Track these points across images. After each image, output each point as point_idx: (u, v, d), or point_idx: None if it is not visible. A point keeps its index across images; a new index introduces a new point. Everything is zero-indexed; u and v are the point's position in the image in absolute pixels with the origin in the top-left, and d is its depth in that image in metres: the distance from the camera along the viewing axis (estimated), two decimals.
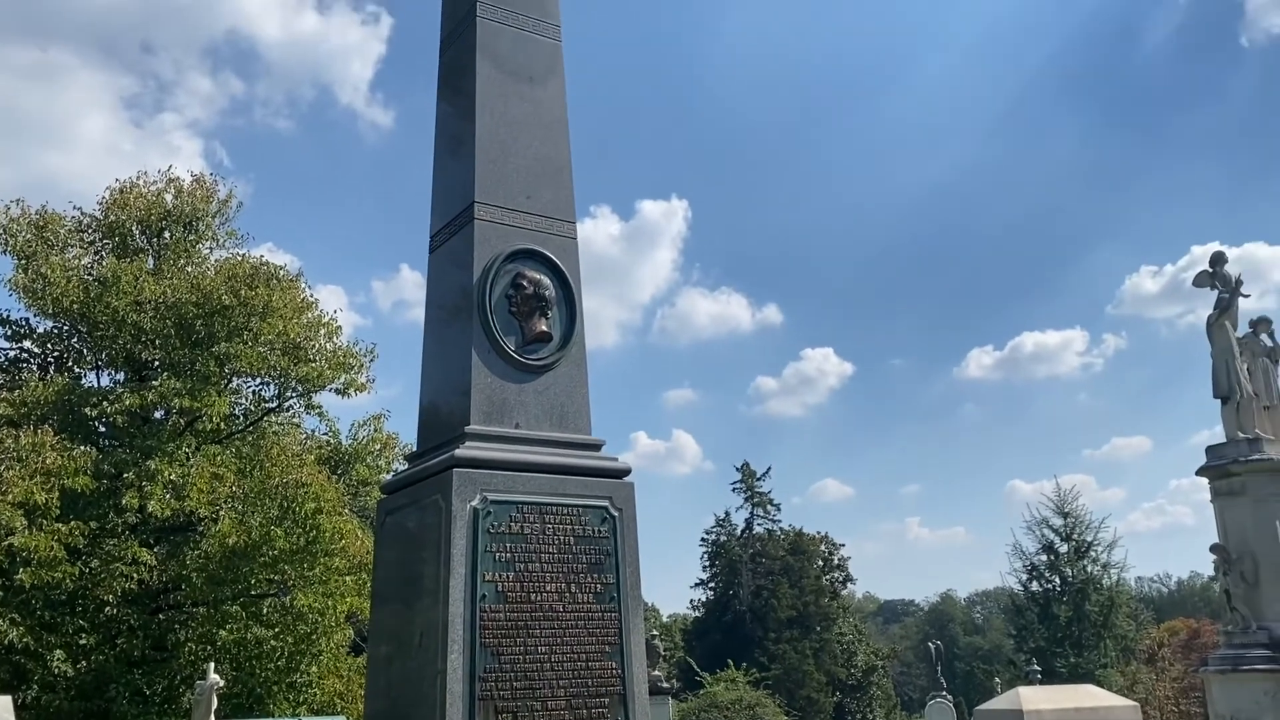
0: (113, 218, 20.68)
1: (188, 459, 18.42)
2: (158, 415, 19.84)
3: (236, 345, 19.05)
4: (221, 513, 18.97)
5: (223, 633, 18.39)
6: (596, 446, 6.30)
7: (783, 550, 59.08)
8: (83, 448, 17.83)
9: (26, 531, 15.86)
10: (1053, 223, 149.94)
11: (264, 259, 20.73)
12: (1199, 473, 16.42)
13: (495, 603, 5.44)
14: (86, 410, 18.50)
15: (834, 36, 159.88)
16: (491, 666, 5.33)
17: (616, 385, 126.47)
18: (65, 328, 20.49)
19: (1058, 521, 41.63)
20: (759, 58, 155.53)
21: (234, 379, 20.81)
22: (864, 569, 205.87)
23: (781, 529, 61.14)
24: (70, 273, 19.44)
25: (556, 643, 5.57)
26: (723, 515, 62.15)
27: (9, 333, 20.52)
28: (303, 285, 21.19)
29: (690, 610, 65.09)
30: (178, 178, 21.60)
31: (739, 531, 61.39)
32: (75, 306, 19.11)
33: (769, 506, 61.85)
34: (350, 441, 23.60)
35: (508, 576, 5.52)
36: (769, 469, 62.84)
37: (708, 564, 61.62)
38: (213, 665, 16.33)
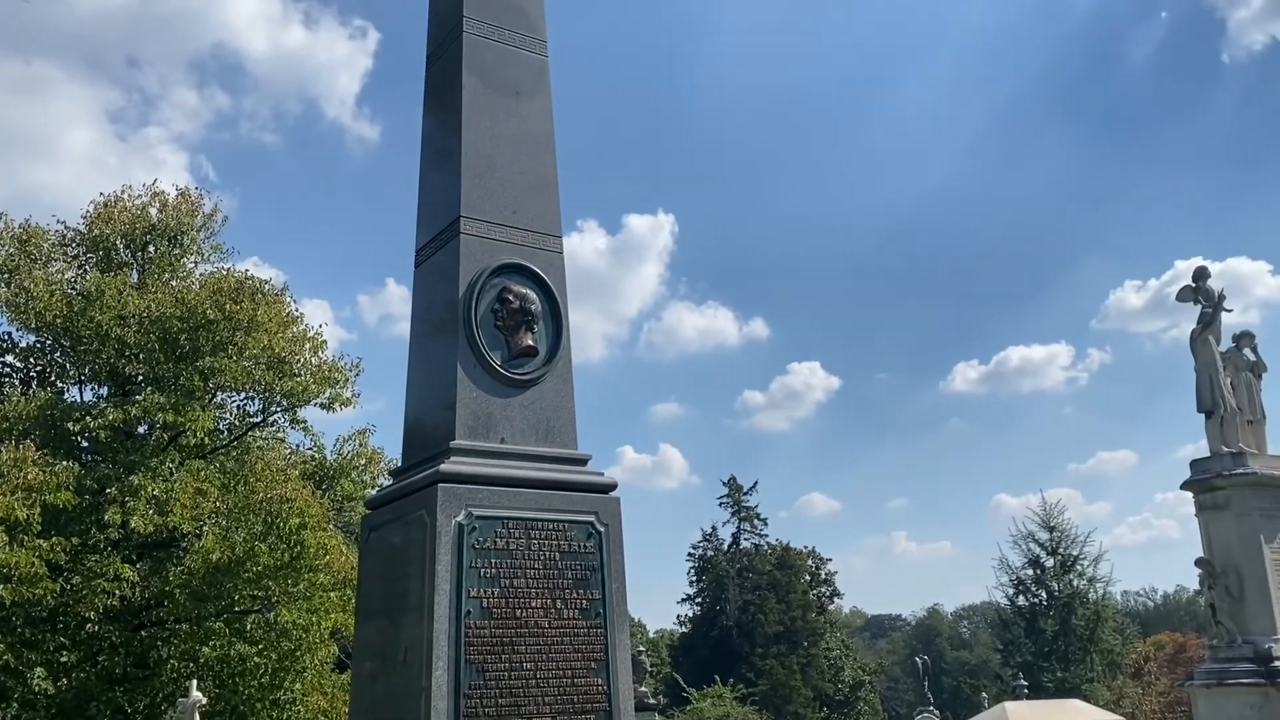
0: (97, 231, 20.57)
1: (171, 474, 18.29)
2: (141, 430, 19.71)
3: (221, 360, 18.95)
4: (205, 528, 18.84)
5: (205, 649, 18.24)
6: (582, 461, 6.28)
7: (770, 565, 59.05)
8: (65, 463, 17.69)
9: (7, 548, 15.71)
10: (1037, 237, 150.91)
11: (249, 273, 20.67)
12: (1184, 487, 16.48)
13: (480, 619, 5.42)
14: (69, 425, 18.37)
15: (821, 52, 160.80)
16: (477, 683, 5.30)
17: (603, 399, 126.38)
18: (48, 342, 20.36)
19: (1044, 536, 41.82)
20: (746, 73, 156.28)
21: (218, 393, 20.69)
22: (851, 584, 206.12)
23: (768, 543, 61.15)
24: (53, 287, 19.33)
25: (542, 659, 5.54)
26: (709, 530, 62.20)
27: None
28: (288, 299, 21.13)
29: (677, 625, 65.00)
30: (163, 191, 21.54)
31: (726, 546, 61.35)
32: (58, 321, 18.99)
33: (756, 521, 61.89)
34: (335, 456, 23.50)
35: (493, 592, 5.50)
36: (756, 483, 62.92)
37: (694, 579, 61.55)
38: (195, 683, 16.21)
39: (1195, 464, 16.36)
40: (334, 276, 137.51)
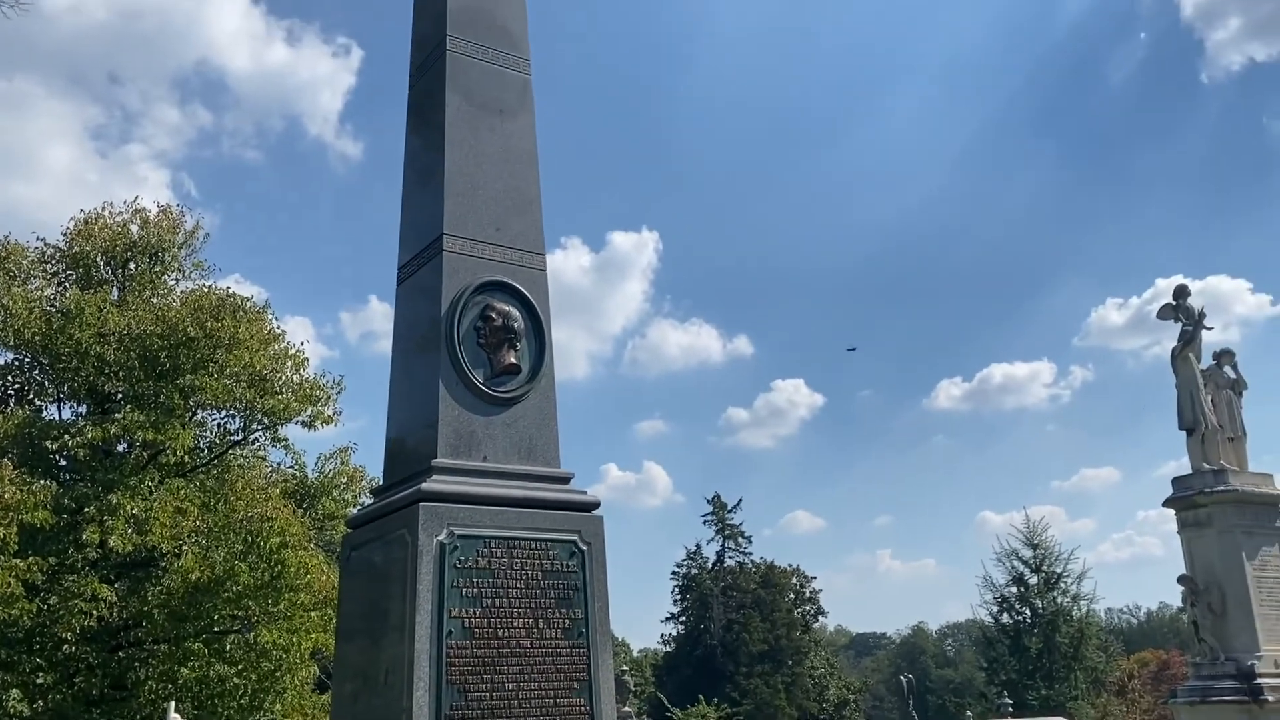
0: (77, 249, 20.43)
1: (150, 493, 18.13)
2: (120, 448, 19.53)
3: (202, 377, 18.82)
4: (184, 547, 18.67)
5: (184, 670, 18.05)
6: (565, 479, 6.25)
7: (754, 583, 58.95)
8: (43, 482, 17.51)
9: None
10: (1019, 255, 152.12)
11: (230, 290, 20.55)
12: (1166, 504, 16.54)
13: (462, 639, 5.37)
14: (47, 444, 18.19)
15: (804, 72, 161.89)
16: (458, 704, 5.25)
17: (587, 417, 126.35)
18: (26, 360, 20.18)
19: (1027, 553, 41.90)
20: (730, 91, 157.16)
21: (199, 411, 20.55)
22: (835, 602, 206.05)
23: (753, 562, 61.07)
24: (32, 304, 19.17)
25: (524, 679, 5.49)
26: (694, 548, 62.07)
27: None
28: (270, 317, 21.02)
29: (661, 645, 64.83)
30: (144, 208, 21.41)
31: (710, 564, 61.22)
32: (37, 338, 18.84)
33: (740, 539, 61.82)
34: (317, 475, 23.35)
35: (475, 612, 5.45)
36: (740, 501, 62.89)
37: (679, 597, 61.37)
38: (174, 704, 16.03)
39: (1177, 481, 16.43)
40: (316, 293, 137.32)
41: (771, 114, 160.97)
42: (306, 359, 21.06)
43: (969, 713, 39.39)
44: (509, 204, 6.71)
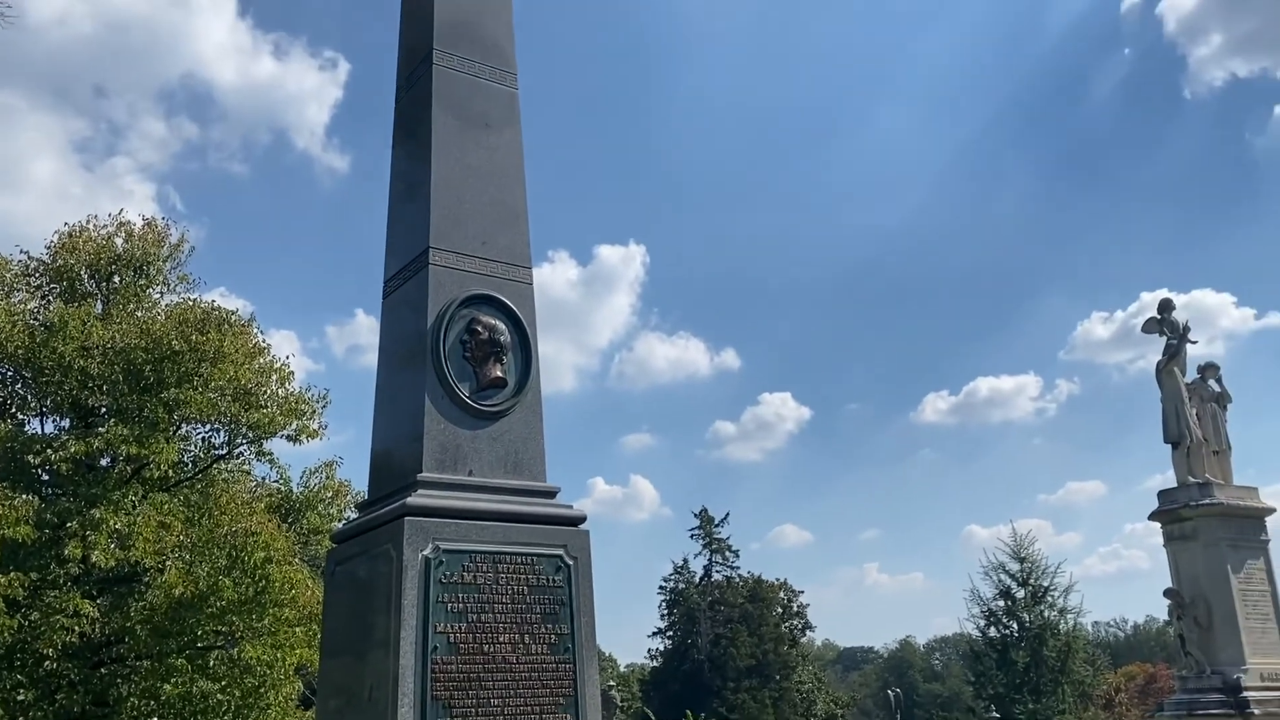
0: (61, 262, 20.30)
1: (134, 507, 17.98)
2: (103, 463, 19.38)
3: (186, 391, 18.69)
4: (168, 563, 18.51)
5: (167, 687, 17.86)
6: (551, 494, 6.23)
7: (741, 598, 58.82)
8: (25, 496, 17.35)
9: None
10: (1005, 269, 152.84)
11: (215, 304, 20.42)
12: (1151, 517, 16.60)
13: (447, 654, 5.34)
14: (29, 458, 18.03)
15: (789, 85, 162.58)
16: None
17: (574, 430, 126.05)
18: (9, 373, 20.01)
19: (1014, 567, 41.87)
20: (716, 105, 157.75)
21: (183, 425, 20.40)
22: (823, 616, 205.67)
23: (740, 576, 60.95)
24: (15, 317, 19.03)
25: (510, 695, 5.46)
26: (681, 562, 61.92)
27: None
28: (255, 330, 20.90)
29: (648, 660, 64.55)
30: (128, 222, 21.28)
31: (697, 579, 61.08)
32: (20, 352, 18.70)
33: (727, 553, 61.68)
34: (301, 489, 23.21)
35: (460, 628, 5.43)
36: (727, 515, 62.82)
37: (666, 612, 61.20)
38: None
39: (1163, 494, 16.49)
40: (302, 307, 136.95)
41: (758, 128, 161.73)
42: (292, 373, 20.96)
43: None
44: (495, 218, 6.71)
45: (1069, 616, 41.15)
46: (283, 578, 18.03)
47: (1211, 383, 17.38)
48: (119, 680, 18.53)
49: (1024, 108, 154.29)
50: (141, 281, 21.27)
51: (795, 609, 61.42)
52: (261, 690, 18.36)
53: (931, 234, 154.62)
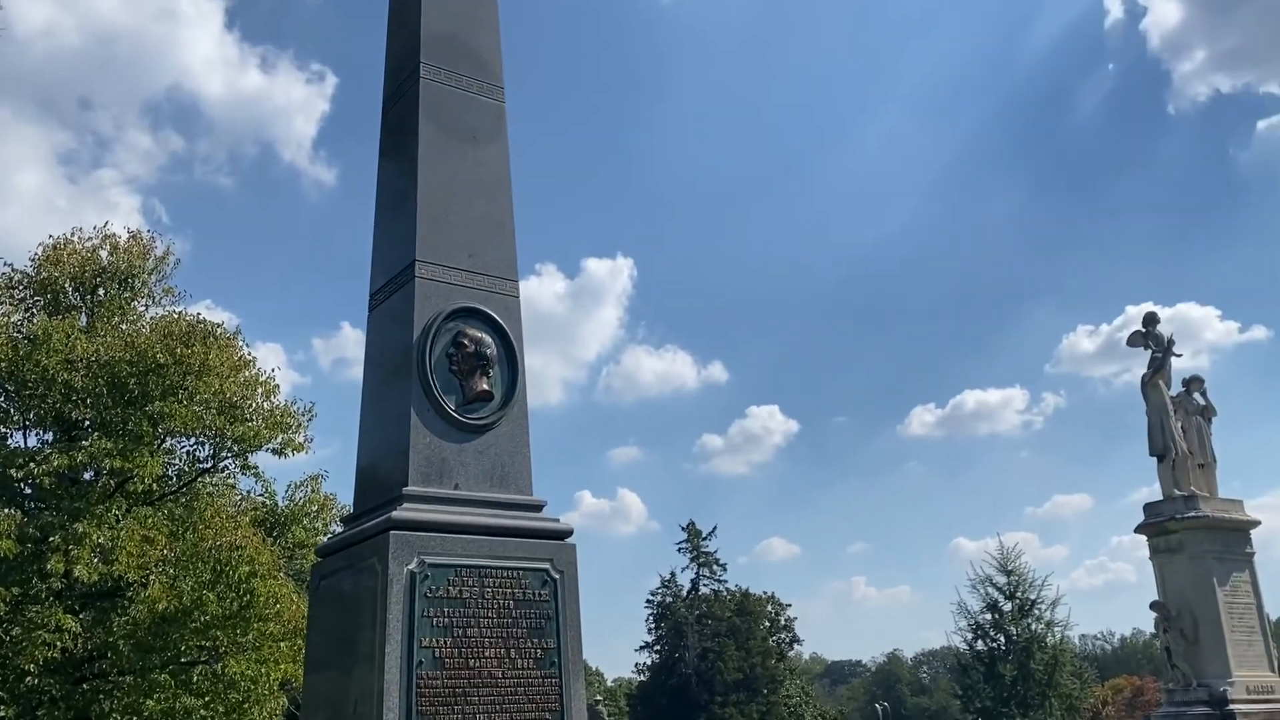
0: (45, 274, 20.20)
1: (117, 521, 17.85)
2: (87, 476, 19.25)
3: (171, 404, 18.59)
4: (151, 577, 18.39)
5: (150, 703, 17.71)
6: (538, 507, 6.20)
7: (729, 611, 58.70)
8: (7, 510, 17.22)
9: None
10: (991, 283, 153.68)
11: (201, 316, 20.35)
12: (1138, 530, 16.64)
13: (433, 669, 5.31)
14: (12, 472, 17.88)
15: (778, 100, 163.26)
16: None
17: (561, 444, 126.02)
18: None
19: (1001, 580, 41.91)
20: (704, 119, 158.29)
21: (168, 439, 20.27)
22: (811, 629, 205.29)
23: (728, 589, 60.86)
24: None
25: (496, 710, 5.43)
26: (668, 576, 61.79)
27: None
28: (241, 343, 20.84)
29: (635, 674, 64.32)
30: (114, 234, 21.20)
31: (685, 592, 60.95)
32: (3, 365, 18.56)
33: (715, 566, 61.59)
34: (287, 503, 23.10)
35: (445, 642, 5.39)
36: (714, 528, 62.75)
37: (653, 626, 61.01)
38: None
39: (1148, 507, 16.54)
40: (288, 320, 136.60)
41: (746, 142, 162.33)
42: (277, 386, 20.87)
43: None
44: (482, 231, 6.70)
45: (1056, 629, 41.23)
46: (267, 592, 17.92)
47: (1196, 396, 17.45)
48: (101, 696, 18.37)
49: (1010, 122, 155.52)
50: (126, 294, 21.18)
51: (783, 622, 61.33)
52: (246, 706, 18.22)
53: (918, 248, 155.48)
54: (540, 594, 5.77)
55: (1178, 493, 16.15)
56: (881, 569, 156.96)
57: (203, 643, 18.12)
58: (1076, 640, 62.10)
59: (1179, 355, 17.20)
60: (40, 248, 20.52)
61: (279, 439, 20.54)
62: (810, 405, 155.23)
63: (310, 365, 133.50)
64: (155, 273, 21.79)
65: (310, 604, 6.55)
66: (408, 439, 5.88)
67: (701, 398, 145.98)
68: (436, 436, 5.98)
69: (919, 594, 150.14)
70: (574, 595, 5.93)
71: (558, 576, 5.87)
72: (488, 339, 6.28)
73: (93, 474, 19.22)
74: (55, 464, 17.58)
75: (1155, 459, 16.69)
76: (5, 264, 20.69)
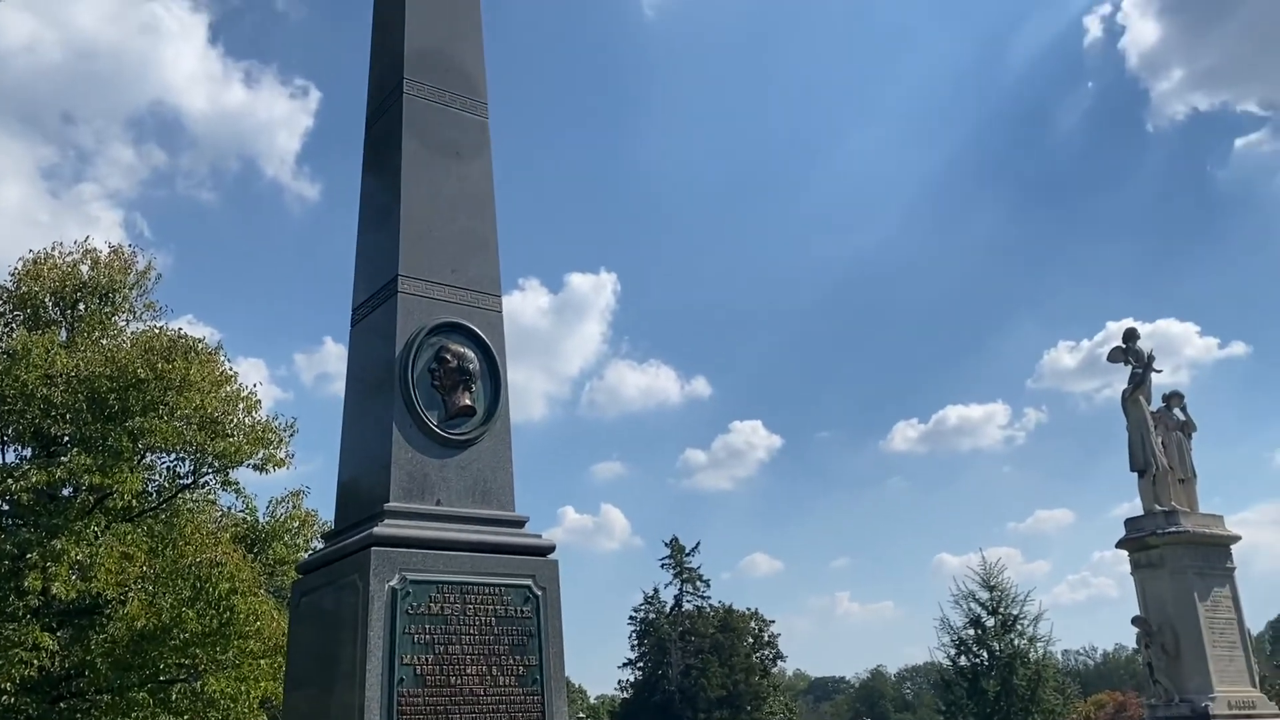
0: (25, 289, 20.07)
1: (96, 538, 17.70)
2: (66, 492, 19.09)
3: (151, 420, 18.48)
4: (130, 594, 18.23)
5: None
6: (520, 523, 6.18)
7: (712, 628, 58.57)
8: None
9: None
10: (973, 299, 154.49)
11: (182, 331, 20.27)
12: (1119, 545, 16.68)
13: (414, 686, 5.28)
14: None
15: (761, 117, 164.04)
16: None
17: (544, 459, 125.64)
18: None
19: (984, 595, 41.96)
20: (688, 134, 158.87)
21: (148, 454, 20.13)
22: (794, 645, 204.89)
23: (711, 606, 60.72)
24: None
25: None
26: (651, 592, 61.60)
27: None
28: (222, 358, 20.75)
29: (618, 691, 64.01)
30: (95, 249, 21.11)
31: (668, 609, 60.79)
32: None
33: (698, 582, 61.45)
34: (268, 519, 22.95)
35: (427, 659, 5.36)
36: (698, 544, 62.61)
37: (636, 643, 60.79)
38: None
39: (1130, 522, 16.59)
40: (271, 335, 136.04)
41: (729, 157, 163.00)
42: (259, 401, 20.78)
43: None
44: (465, 245, 6.70)
45: (1039, 645, 41.28)
46: (247, 609, 17.79)
47: (1176, 411, 17.55)
48: (79, 715, 18.20)
49: (991, 139, 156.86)
50: (107, 309, 21.06)
51: (766, 639, 61.21)
52: None
53: (900, 264, 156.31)
54: (522, 611, 5.74)
55: (1158, 508, 16.21)
56: (865, 584, 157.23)
57: (182, 660, 17.96)
58: (1059, 656, 62.15)
59: (1159, 371, 17.31)
60: (20, 262, 20.42)
61: (260, 455, 20.44)
62: (793, 420, 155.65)
63: (292, 380, 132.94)
64: (136, 287, 21.68)
65: (291, 621, 6.50)
66: (389, 454, 5.86)
67: (685, 412, 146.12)
68: (418, 452, 5.96)
69: (902, 609, 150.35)
70: (556, 612, 5.90)
71: (540, 593, 5.85)
72: (470, 354, 6.27)
73: (71, 490, 19.06)
74: (34, 480, 17.43)
75: (1136, 474, 16.75)
76: None
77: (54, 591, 16.74)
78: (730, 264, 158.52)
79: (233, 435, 19.95)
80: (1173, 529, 15.88)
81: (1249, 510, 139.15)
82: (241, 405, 20.37)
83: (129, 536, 18.45)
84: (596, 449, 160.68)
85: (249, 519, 22.88)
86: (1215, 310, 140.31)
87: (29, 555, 16.89)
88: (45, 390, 18.25)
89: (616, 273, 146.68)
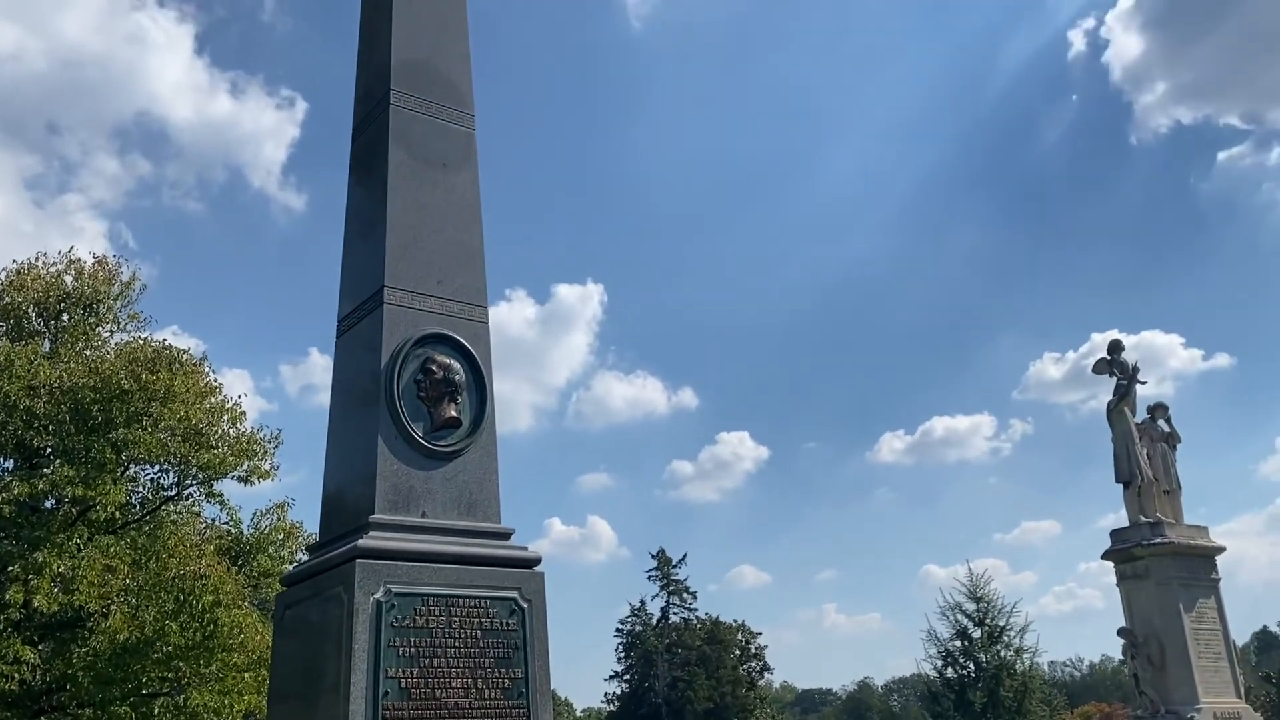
0: (8, 300, 19.97)
1: (79, 550, 17.57)
2: (48, 504, 18.96)
3: (135, 431, 18.36)
4: (113, 607, 18.08)
5: None
6: (506, 535, 6.16)
7: (699, 640, 58.45)
8: None
9: None
10: (959, 310, 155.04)
11: (166, 342, 20.17)
12: (1104, 556, 16.73)
13: (399, 699, 5.25)
14: None
15: (745, 129, 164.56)
16: None
17: (530, 470, 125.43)
18: None
19: (971, 607, 41.96)
20: (674, 145, 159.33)
21: (131, 466, 20.01)
22: (781, 657, 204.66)
23: (698, 618, 60.60)
24: None
25: None
26: (638, 604, 61.46)
27: None
28: (207, 369, 20.65)
29: (605, 704, 63.76)
30: (79, 259, 21.04)
31: (655, 621, 60.64)
32: None
33: (685, 594, 61.34)
34: (252, 531, 22.79)
35: (412, 672, 5.33)
36: (685, 556, 62.50)
37: (623, 655, 60.62)
38: None
39: (1115, 534, 16.65)
40: (256, 346, 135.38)
41: (715, 168, 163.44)
42: (244, 412, 20.68)
43: None
44: (452, 257, 6.69)
45: (1025, 656, 41.25)
46: (231, 622, 17.66)
47: (1161, 423, 17.62)
48: None
49: (976, 152, 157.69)
50: (91, 320, 20.97)
51: (753, 651, 61.11)
52: None
53: (886, 276, 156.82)
54: (508, 623, 5.72)
55: (1144, 519, 16.27)
56: (852, 596, 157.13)
57: (165, 674, 17.81)
58: (1045, 667, 62.31)
59: (1144, 383, 17.38)
60: (3, 273, 20.34)
61: (245, 466, 20.34)
62: (780, 431, 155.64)
63: (277, 392, 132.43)
64: (121, 298, 21.59)
65: (275, 634, 6.46)
66: (374, 466, 5.83)
67: (672, 424, 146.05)
68: (404, 464, 5.94)
69: (889, 621, 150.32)
70: (542, 624, 5.88)
71: (525, 605, 5.82)
72: (456, 365, 6.26)
73: (54, 502, 18.93)
74: (15, 492, 17.31)
75: (1121, 485, 16.81)
76: None
77: (35, 604, 16.59)
78: (717, 275, 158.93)
79: (217, 447, 19.85)
80: (1158, 540, 15.93)
81: (1233, 521, 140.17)
82: (226, 417, 20.27)
83: (112, 549, 18.32)
84: (583, 460, 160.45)
85: (233, 531, 22.73)
86: (1199, 322, 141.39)
87: (10, 568, 16.77)
88: (28, 401, 18.14)
89: (603, 284, 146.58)
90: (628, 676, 60.08)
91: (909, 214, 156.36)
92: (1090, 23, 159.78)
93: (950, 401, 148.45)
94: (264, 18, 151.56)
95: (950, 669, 41.95)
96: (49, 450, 19.01)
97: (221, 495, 21.87)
